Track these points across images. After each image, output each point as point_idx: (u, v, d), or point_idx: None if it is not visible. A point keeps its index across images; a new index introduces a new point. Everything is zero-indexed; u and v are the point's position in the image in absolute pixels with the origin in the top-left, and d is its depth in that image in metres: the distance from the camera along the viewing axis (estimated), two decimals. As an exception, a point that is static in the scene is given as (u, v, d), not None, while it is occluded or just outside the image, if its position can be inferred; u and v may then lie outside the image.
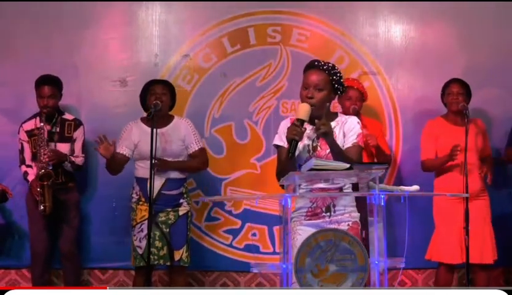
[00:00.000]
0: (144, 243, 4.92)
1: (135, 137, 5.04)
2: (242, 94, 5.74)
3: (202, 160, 5.19)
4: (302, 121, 3.58)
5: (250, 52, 5.77)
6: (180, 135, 5.07)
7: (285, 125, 3.78)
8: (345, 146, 3.69)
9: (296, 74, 5.59)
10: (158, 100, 4.93)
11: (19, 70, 5.68)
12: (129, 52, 5.82)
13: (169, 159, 5.00)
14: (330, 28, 5.77)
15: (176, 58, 5.77)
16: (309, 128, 3.69)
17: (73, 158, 5.25)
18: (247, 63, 5.75)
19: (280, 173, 3.66)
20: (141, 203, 5.01)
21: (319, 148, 3.70)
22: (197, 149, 5.11)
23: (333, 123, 3.72)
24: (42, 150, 5.12)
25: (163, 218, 4.96)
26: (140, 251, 4.94)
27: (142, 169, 5.01)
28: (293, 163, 3.65)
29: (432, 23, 5.79)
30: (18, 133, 5.33)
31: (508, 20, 5.72)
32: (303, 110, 3.61)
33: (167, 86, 5.13)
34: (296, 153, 3.60)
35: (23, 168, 5.29)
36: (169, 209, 4.99)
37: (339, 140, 3.68)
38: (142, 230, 4.96)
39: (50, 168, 5.12)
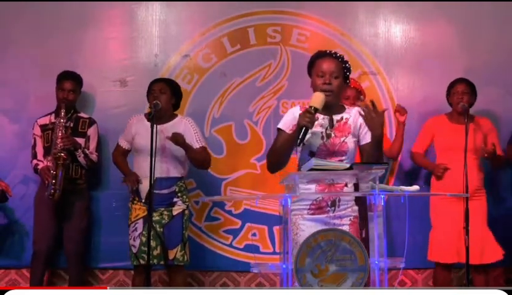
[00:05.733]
0: (138, 242, 4.93)
1: (133, 130, 5.06)
2: (242, 94, 5.74)
3: (206, 156, 5.14)
4: (316, 110, 3.54)
5: (250, 52, 5.77)
6: None
7: (293, 112, 3.73)
8: (364, 141, 3.72)
9: (296, 74, 5.62)
10: (156, 98, 4.95)
11: (19, 71, 5.68)
12: (129, 52, 5.82)
13: (167, 157, 5.00)
14: (330, 28, 5.77)
15: (176, 58, 5.77)
16: (321, 117, 3.67)
17: (87, 151, 5.23)
18: (247, 63, 5.75)
19: (274, 157, 3.69)
20: (135, 202, 5.01)
21: (333, 135, 3.69)
22: (198, 147, 5.07)
23: (345, 115, 3.74)
24: (58, 138, 5.10)
25: (157, 217, 4.95)
26: (134, 250, 4.94)
27: (137, 168, 5.03)
28: (291, 150, 3.62)
29: (432, 22, 5.79)
30: (33, 129, 5.33)
31: (508, 20, 5.72)
32: (319, 99, 3.56)
33: (168, 85, 5.12)
34: (307, 138, 3.58)
35: (34, 161, 5.28)
36: (162, 209, 4.98)
37: (354, 130, 3.70)
38: (136, 229, 4.96)
39: (66, 152, 5.10)
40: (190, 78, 5.76)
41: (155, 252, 4.92)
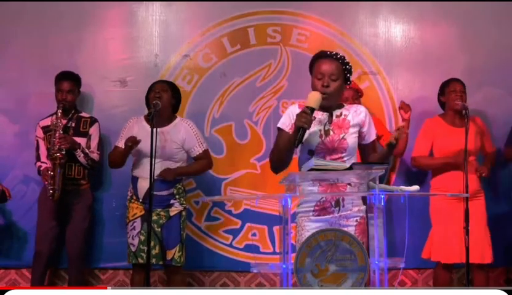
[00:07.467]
0: (136, 241, 4.93)
1: (135, 132, 5.03)
2: (242, 94, 5.74)
3: (206, 163, 5.20)
4: (312, 110, 3.53)
5: (250, 52, 5.77)
6: (179, 137, 5.05)
7: (291, 110, 3.73)
8: (368, 141, 3.76)
9: (296, 74, 5.63)
10: (157, 97, 4.95)
11: (19, 71, 5.68)
12: (129, 52, 5.82)
13: (166, 159, 5.00)
14: (330, 28, 5.77)
15: (176, 58, 5.77)
16: (319, 114, 3.67)
17: (87, 150, 5.22)
18: (247, 63, 5.75)
19: (276, 157, 3.67)
20: (133, 201, 5.01)
21: (331, 132, 3.67)
22: (201, 151, 5.10)
23: (344, 111, 3.73)
24: (56, 138, 5.08)
25: (154, 217, 4.93)
26: (133, 249, 4.94)
27: (136, 167, 5.03)
28: (292, 150, 3.62)
29: (432, 23, 5.79)
30: (35, 131, 5.32)
31: (508, 20, 5.73)
32: (315, 98, 3.55)
33: (168, 85, 5.14)
34: (305, 137, 3.58)
35: (38, 163, 5.27)
36: (160, 210, 4.97)
37: (353, 126, 3.70)
38: (134, 228, 4.96)
39: (63, 152, 5.07)
40: (190, 79, 5.76)
41: (153, 252, 4.91)
